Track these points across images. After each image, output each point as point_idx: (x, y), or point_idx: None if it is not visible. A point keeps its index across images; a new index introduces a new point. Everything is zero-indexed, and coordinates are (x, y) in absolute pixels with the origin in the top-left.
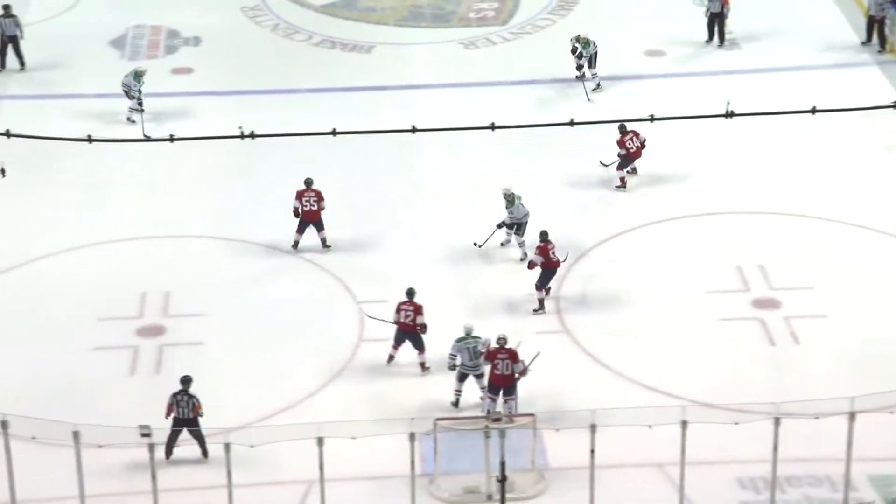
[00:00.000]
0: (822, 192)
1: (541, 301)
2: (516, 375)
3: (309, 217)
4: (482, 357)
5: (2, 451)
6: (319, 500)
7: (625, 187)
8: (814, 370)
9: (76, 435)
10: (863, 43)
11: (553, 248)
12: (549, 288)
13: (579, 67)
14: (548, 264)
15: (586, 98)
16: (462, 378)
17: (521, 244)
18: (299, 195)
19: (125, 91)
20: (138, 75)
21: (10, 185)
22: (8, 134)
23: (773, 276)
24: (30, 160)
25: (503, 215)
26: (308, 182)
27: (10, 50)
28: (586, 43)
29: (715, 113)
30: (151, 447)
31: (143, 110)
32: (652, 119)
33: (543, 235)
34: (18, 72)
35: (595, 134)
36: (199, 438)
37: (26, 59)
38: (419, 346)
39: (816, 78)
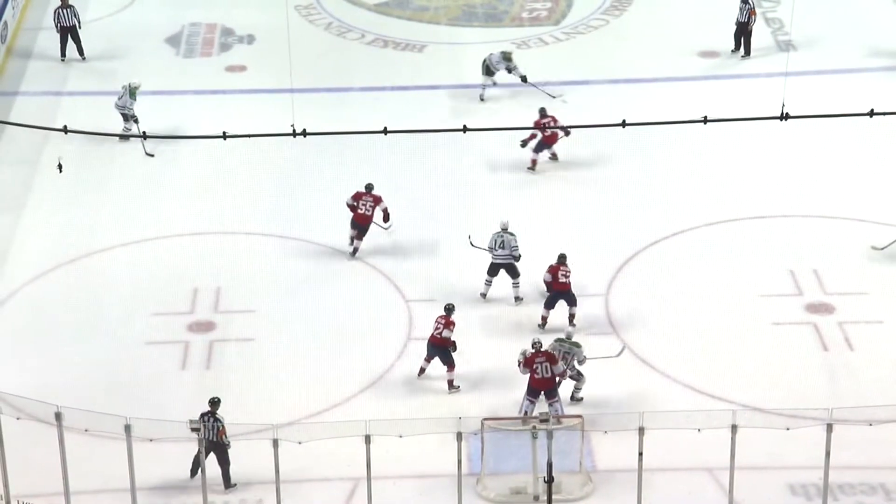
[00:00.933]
0: (878, 197)
1: (543, 319)
2: (557, 378)
3: (361, 220)
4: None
5: (56, 443)
6: (366, 498)
7: (534, 169)
8: (868, 376)
9: (128, 428)
10: None
11: (565, 271)
12: (573, 314)
13: (509, 70)
14: (555, 285)
15: (480, 99)
16: None
17: (516, 285)
18: (357, 196)
19: (122, 114)
20: (134, 91)
21: (67, 179)
22: (65, 129)
23: (827, 280)
24: (86, 155)
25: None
26: (369, 187)
27: (70, 43)
28: (510, 59)
29: (770, 115)
30: (201, 442)
31: (137, 121)
32: (705, 121)
33: (560, 258)
34: (79, 62)
35: (647, 134)
36: (222, 465)
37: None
38: (447, 362)
39: (874, 80)
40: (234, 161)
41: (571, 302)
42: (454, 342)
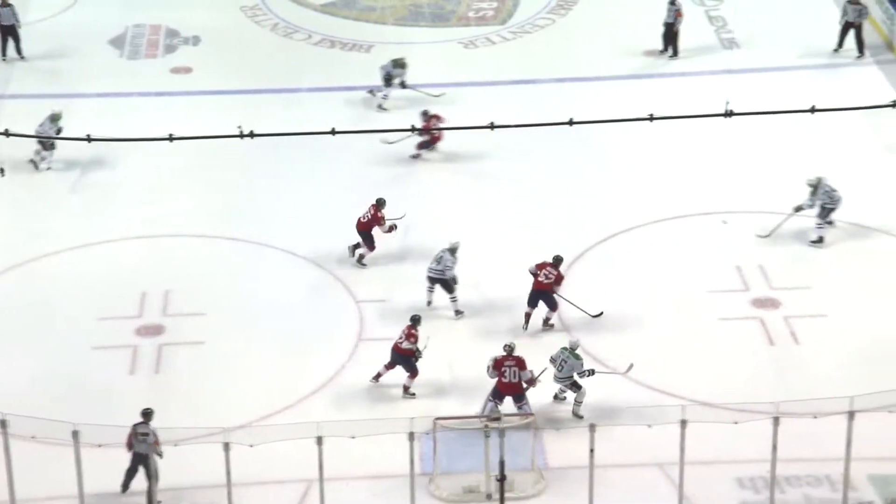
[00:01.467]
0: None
1: (526, 316)
2: (524, 384)
3: (358, 227)
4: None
5: (1, 451)
6: (319, 499)
7: (419, 157)
8: (813, 370)
9: (76, 434)
10: (835, 50)
11: (548, 273)
12: (548, 318)
13: (403, 85)
14: (535, 282)
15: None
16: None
17: (454, 300)
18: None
19: (41, 141)
20: (56, 118)
21: (10, 184)
22: (7, 133)
23: (772, 275)
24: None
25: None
26: (379, 202)
27: (10, 43)
28: (403, 66)
29: (714, 112)
30: (151, 447)
31: (53, 149)
32: (651, 118)
33: (556, 259)
34: (21, 63)
35: (594, 132)
36: (151, 479)
37: (26, 55)
38: (409, 369)
39: (815, 77)
40: (181, 163)
41: (550, 305)
42: (417, 350)
